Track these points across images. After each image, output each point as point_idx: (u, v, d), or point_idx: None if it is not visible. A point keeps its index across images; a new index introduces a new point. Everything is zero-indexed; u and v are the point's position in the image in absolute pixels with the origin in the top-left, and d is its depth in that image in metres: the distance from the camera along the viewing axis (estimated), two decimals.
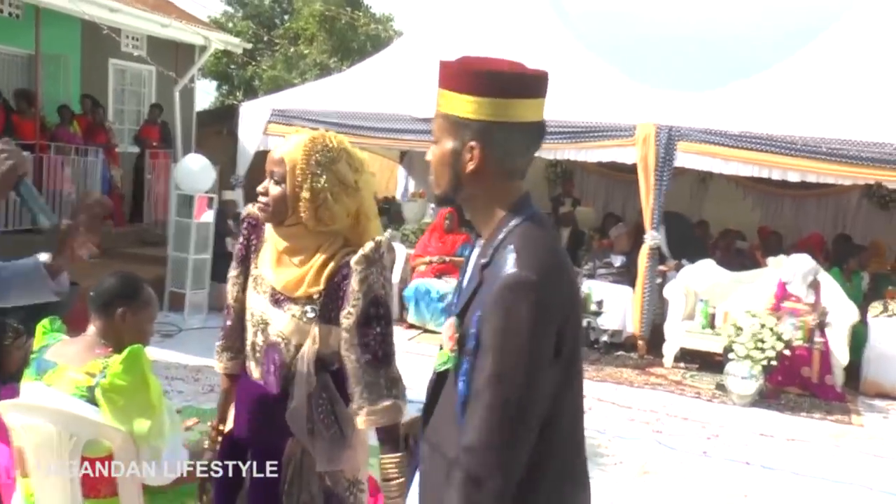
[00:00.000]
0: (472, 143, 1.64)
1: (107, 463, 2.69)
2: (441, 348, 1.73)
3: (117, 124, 12.27)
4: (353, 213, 2.26)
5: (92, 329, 2.79)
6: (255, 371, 2.33)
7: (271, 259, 2.30)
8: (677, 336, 7.87)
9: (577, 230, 10.60)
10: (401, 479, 2.11)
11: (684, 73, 9.25)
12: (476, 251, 1.77)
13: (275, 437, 2.28)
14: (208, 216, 8.72)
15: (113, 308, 2.75)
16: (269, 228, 2.36)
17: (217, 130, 13.66)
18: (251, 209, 2.42)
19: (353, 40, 25.65)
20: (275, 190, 2.21)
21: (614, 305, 8.24)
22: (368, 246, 2.17)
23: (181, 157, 9.67)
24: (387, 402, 2.15)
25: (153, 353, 6.95)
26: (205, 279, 8.71)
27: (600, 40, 10.01)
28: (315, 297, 2.21)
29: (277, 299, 2.26)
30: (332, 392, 2.24)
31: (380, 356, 2.16)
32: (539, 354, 1.56)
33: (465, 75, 1.65)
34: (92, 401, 2.66)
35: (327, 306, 2.20)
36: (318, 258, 2.23)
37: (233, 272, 2.45)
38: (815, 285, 7.45)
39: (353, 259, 2.16)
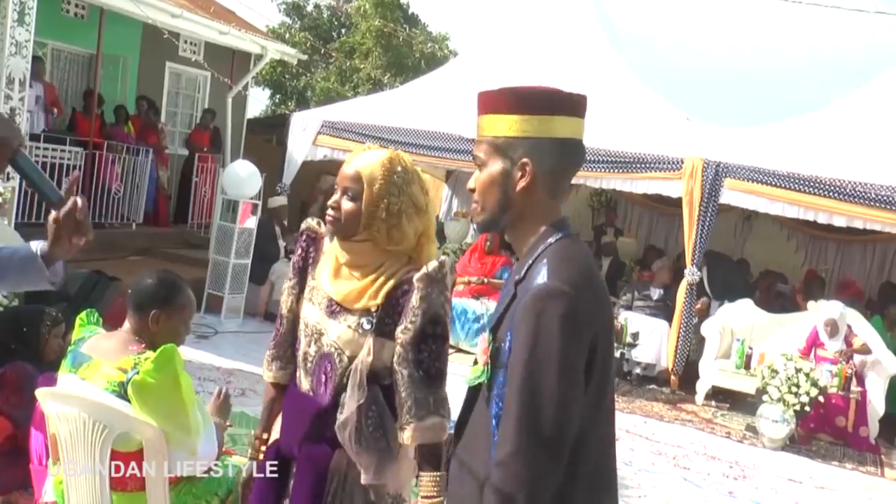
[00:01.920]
0: (525, 160, 1.69)
1: (136, 462, 2.76)
2: (475, 363, 1.75)
3: (169, 126, 12.51)
4: (419, 235, 2.28)
5: (127, 325, 2.85)
6: (304, 382, 2.34)
7: (330, 271, 2.31)
8: (711, 374, 7.77)
9: (617, 260, 10.54)
10: (439, 499, 2.11)
11: (734, 108, 9.21)
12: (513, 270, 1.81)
13: (322, 448, 2.28)
14: (252, 222, 8.85)
15: (148, 309, 2.80)
16: (328, 242, 2.38)
17: (267, 138, 13.86)
18: (311, 223, 2.44)
19: (408, 57, 25.85)
20: (348, 205, 2.20)
21: (650, 338, 8.18)
22: (432, 265, 2.18)
23: (229, 163, 9.83)
24: (434, 420, 2.16)
25: (188, 353, 7.06)
26: (243, 284, 8.82)
27: (653, 72, 10.00)
28: (373, 309, 2.21)
29: (333, 310, 2.26)
30: (382, 406, 2.24)
31: (432, 374, 2.17)
32: (569, 365, 1.56)
33: (510, 97, 1.71)
34: (123, 396, 2.71)
35: (384, 320, 2.21)
36: (381, 274, 2.24)
37: (289, 283, 2.46)
38: (841, 333, 7.32)
39: (416, 276, 2.17)
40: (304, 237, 2.45)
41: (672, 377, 8.09)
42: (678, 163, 7.83)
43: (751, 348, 7.71)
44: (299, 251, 2.45)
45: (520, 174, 1.70)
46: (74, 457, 2.81)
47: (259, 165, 9.00)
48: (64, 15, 10.50)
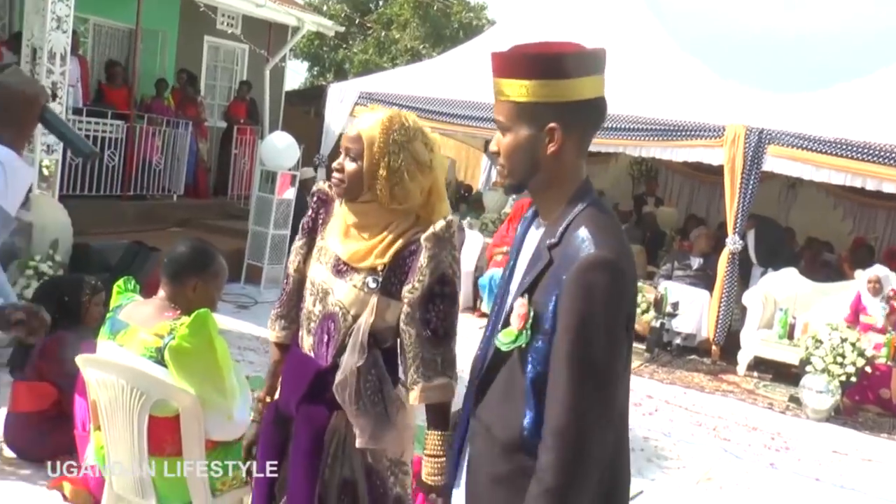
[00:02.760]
0: (552, 125, 1.66)
1: (173, 427, 2.79)
2: (506, 326, 1.72)
3: (208, 99, 12.59)
4: (426, 192, 2.27)
5: (162, 293, 2.87)
6: (306, 341, 2.33)
7: (339, 231, 2.31)
8: (753, 344, 7.66)
9: (657, 230, 10.41)
10: (443, 458, 2.13)
11: (778, 74, 8.99)
12: (534, 231, 1.81)
13: (320, 409, 2.29)
14: (290, 193, 8.89)
15: (183, 277, 2.83)
16: (338, 204, 2.38)
17: (305, 110, 13.89)
18: (322, 185, 2.44)
19: (446, 27, 25.67)
20: (351, 166, 2.21)
21: (690, 308, 8.08)
22: (439, 224, 2.17)
23: (267, 135, 9.87)
24: (441, 380, 2.16)
25: (228, 322, 7.15)
26: (283, 254, 8.88)
27: (694, 38, 9.82)
28: (379, 268, 2.21)
29: (340, 269, 2.26)
30: (381, 370, 2.25)
31: (440, 333, 2.17)
32: (617, 332, 1.61)
33: (533, 60, 1.67)
34: (160, 362, 2.75)
35: (390, 279, 2.21)
36: (388, 233, 2.24)
37: (297, 242, 2.46)
38: (884, 291, 7.17)
39: (424, 236, 2.16)
40: (315, 199, 2.44)
41: (713, 347, 7.99)
42: (720, 130, 7.67)
43: (794, 318, 7.57)
44: (310, 212, 2.44)
45: (548, 139, 1.68)
46: (114, 422, 2.85)
47: (297, 137, 9.02)
48: None
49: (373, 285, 2.21)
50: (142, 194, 9.87)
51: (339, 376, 2.22)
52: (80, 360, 2.93)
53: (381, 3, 28.42)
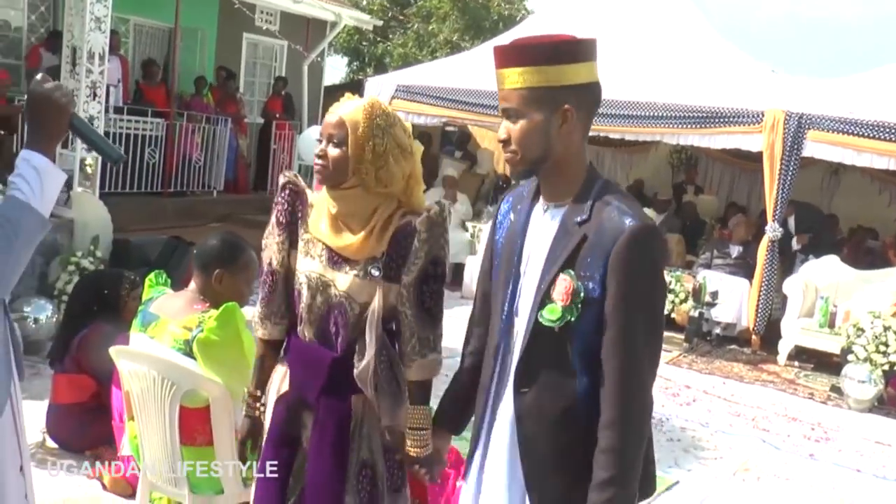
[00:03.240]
0: (567, 107, 1.76)
1: (203, 417, 2.85)
2: (548, 303, 1.78)
3: (248, 96, 12.74)
4: (407, 176, 2.30)
5: (193, 285, 2.93)
6: (307, 333, 2.34)
7: (327, 223, 2.30)
8: (793, 333, 7.53)
9: (697, 219, 10.28)
10: (427, 430, 2.22)
11: (818, 58, 8.81)
12: (541, 213, 1.88)
13: (341, 397, 2.32)
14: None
15: (212, 269, 2.88)
16: (313, 194, 2.39)
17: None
18: (290, 175, 2.44)
19: (486, 19, 25.57)
20: (334, 152, 2.21)
21: (729, 297, 7.97)
22: (434, 209, 2.23)
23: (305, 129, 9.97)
24: (434, 356, 2.25)
25: None
26: None
27: (731, 23, 9.67)
28: (378, 256, 2.25)
29: (336, 261, 2.28)
30: (391, 351, 2.29)
31: (433, 313, 2.24)
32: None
33: (548, 49, 1.77)
34: (189, 353, 2.81)
35: (389, 265, 2.24)
36: (377, 219, 2.26)
37: (277, 238, 2.40)
38: None
39: (418, 220, 2.20)
40: (286, 191, 2.40)
41: (753, 337, 7.88)
42: (758, 116, 7.54)
43: (835, 306, 7.43)
44: (284, 205, 2.39)
45: (561, 121, 1.77)
46: (146, 413, 2.93)
47: None
48: None
49: (376, 273, 2.24)
50: (182, 191, 10.04)
51: (360, 364, 2.25)
52: (114, 351, 3.01)
53: None
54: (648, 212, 9.21)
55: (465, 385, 2.13)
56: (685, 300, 7.90)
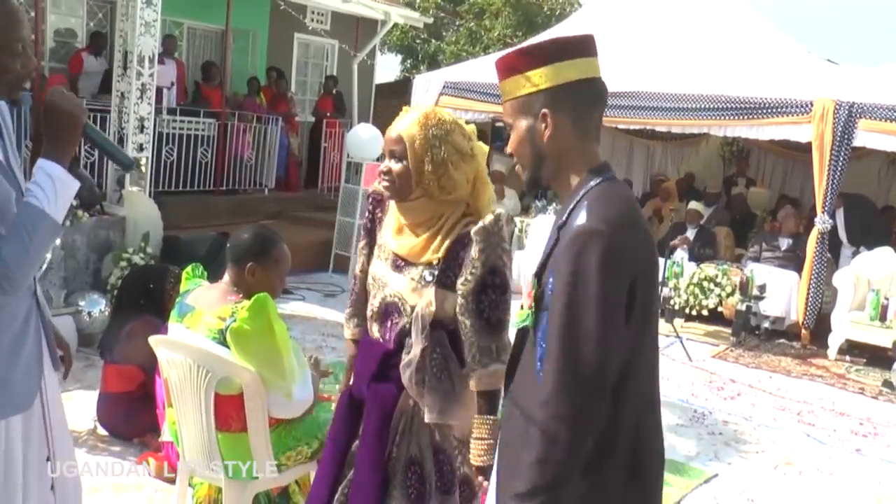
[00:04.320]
0: (544, 111, 1.73)
1: (237, 404, 2.96)
2: (521, 307, 1.79)
3: (299, 95, 12.95)
4: (472, 180, 2.37)
5: (227, 278, 3.04)
6: (374, 331, 2.48)
7: (394, 228, 2.44)
8: (843, 327, 7.39)
9: (747, 211, 10.13)
10: (490, 440, 2.22)
11: (869, 46, 8.58)
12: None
13: (388, 388, 2.41)
14: (376, 183, 9.05)
15: (244, 262, 2.98)
16: (392, 203, 2.49)
17: (394, 102, 14.09)
18: (376, 186, 2.54)
19: (538, 15, 25.47)
20: (396, 167, 2.33)
21: (778, 291, 7.84)
22: (489, 218, 2.26)
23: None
24: (496, 367, 2.25)
25: (315, 310, 7.41)
26: None
27: (780, 11, 9.49)
28: (434, 262, 2.33)
29: (398, 265, 2.39)
30: (447, 348, 2.35)
31: (493, 322, 2.26)
32: (608, 304, 1.57)
33: (518, 57, 1.77)
34: (223, 342, 2.91)
35: (445, 272, 2.31)
36: (442, 226, 2.35)
37: (360, 244, 2.61)
38: None
39: (473, 230, 2.26)
40: (370, 200, 2.58)
41: (802, 331, 7.75)
42: (807, 106, 7.42)
43: (887, 299, 7.25)
44: (367, 214, 2.58)
45: (543, 125, 1.74)
46: (183, 399, 3.04)
47: (386, 129, 9.16)
48: None
49: (429, 278, 2.32)
50: (234, 189, 10.24)
51: (403, 358, 2.34)
52: (153, 340, 3.13)
53: None
54: (698, 205, 9.15)
55: None
56: (732, 293, 7.81)
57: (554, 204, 10.20)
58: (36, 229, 1.85)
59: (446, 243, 2.32)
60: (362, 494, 2.40)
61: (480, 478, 2.24)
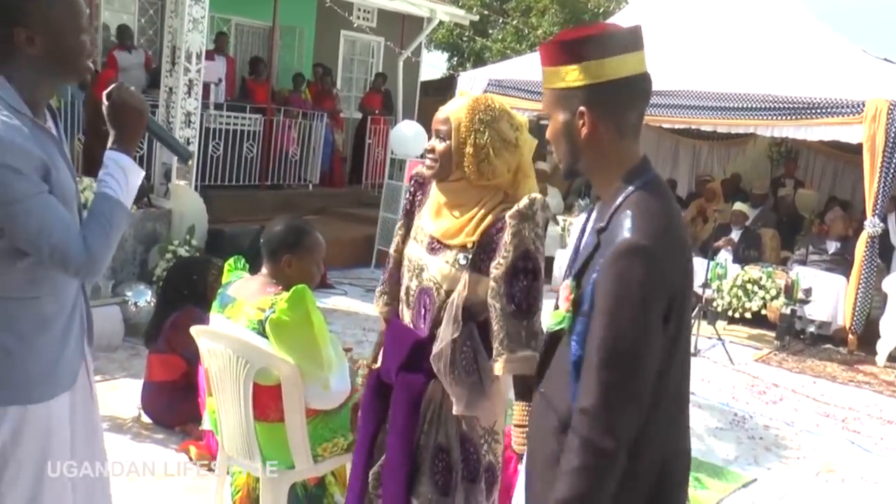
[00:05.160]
0: (582, 109, 1.69)
1: (275, 395, 3.00)
2: (556, 308, 1.79)
3: (344, 91, 13.04)
4: (514, 170, 2.38)
5: (265, 270, 3.08)
6: (406, 314, 2.51)
7: (432, 210, 2.46)
8: (893, 333, 7.22)
9: (795, 213, 9.95)
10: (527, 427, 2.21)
11: None
12: (593, 216, 1.83)
13: (418, 377, 2.43)
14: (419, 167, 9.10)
15: (279, 255, 3.02)
16: (433, 187, 2.51)
17: (440, 100, 14.11)
18: (420, 169, 2.58)
19: (585, 12, 25.31)
20: (440, 146, 2.36)
21: (825, 295, 7.69)
22: (523, 202, 2.26)
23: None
24: (525, 353, 2.25)
25: (356, 305, 7.46)
26: None
27: (831, 7, 9.29)
28: (469, 245, 2.34)
29: (434, 247, 2.41)
30: (476, 342, 2.36)
31: (524, 308, 2.26)
32: (649, 320, 1.59)
33: (563, 47, 1.72)
34: (262, 333, 2.95)
35: (479, 256, 2.33)
36: (478, 211, 2.36)
37: (398, 224, 2.65)
38: None
39: (509, 213, 2.27)
40: (413, 182, 2.62)
41: (850, 336, 7.59)
42: (859, 106, 7.25)
43: None
44: (408, 195, 2.62)
45: (580, 122, 1.70)
46: (223, 389, 3.09)
47: (430, 126, 9.20)
48: None
49: (463, 262, 2.34)
50: (278, 184, 10.36)
51: (435, 347, 2.36)
52: (194, 330, 3.19)
53: None
54: (743, 206, 9.00)
55: None
56: (777, 296, 7.68)
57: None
58: (113, 217, 1.95)
59: (482, 226, 2.33)
60: (394, 480, 2.43)
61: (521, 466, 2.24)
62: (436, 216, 2.44)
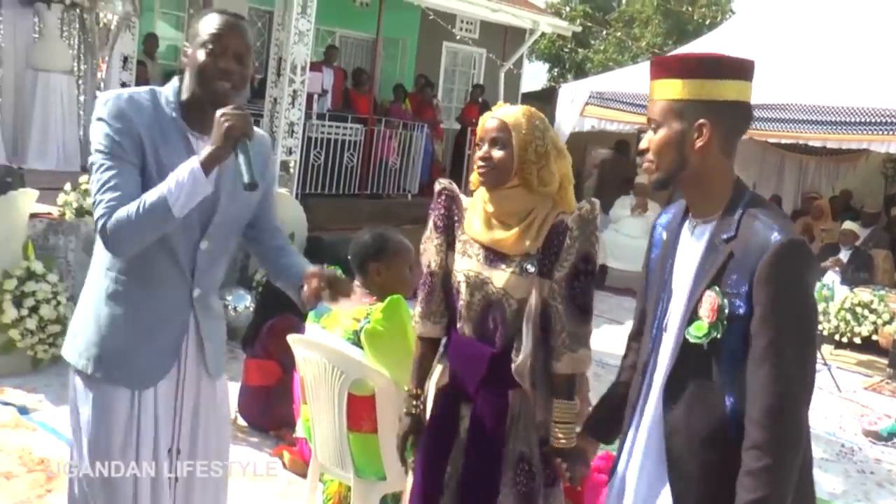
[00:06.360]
0: (702, 121, 1.78)
1: (369, 406, 3.02)
2: (695, 320, 1.79)
3: (445, 102, 13.14)
4: (561, 177, 2.40)
5: (357, 281, 3.11)
6: (467, 329, 2.44)
7: (482, 222, 2.41)
8: None
9: None
10: (573, 424, 2.29)
11: None
12: (687, 231, 1.89)
13: (500, 391, 2.40)
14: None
15: (368, 266, 3.05)
16: (466, 199, 2.50)
17: (541, 111, 14.05)
18: (445, 183, 2.55)
19: (689, 23, 24.82)
20: (499, 153, 2.32)
21: None
22: (585, 207, 2.30)
23: None
24: (584, 352, 2.30)
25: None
26: None
27: None
28: (533, 253, 2.33)
29: (492, 259, 2.37)
30: (547, 346, 2.34)
31: (584, 308, 2.30)
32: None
33: (686, 62, 1.84)
34: (357, 343, 2.99)
35: (543, 262, 2.32)
36: (534, 218, 2.35)
37: (434, 241, 2.52)
38: None
39: (571, 217, 2.30)
40: (443, 197, 2.52)
41: None
42: None
43: None
44: (441, 210, 2.50)
45: (696, 134, 1.79)
46: (318, 398, 3.14)
47: None
48: (350, 5, 11.43)
49: (532, 269, 2.32)
50: (378, 193, 10.48)
51: (519, 360, 2.33)
52: (291, 339, 3.25)
53: (623, 1, 28.02)
54: (853, 225, 8.62)
55: (620, 396, 2.13)
56: (890, 321, 7.30)
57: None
58: (148, 206, 2.00)
59: (544, 232, 2.33)
60: (477, 490, 2.40)
61: (565, 464, 2.27)
62: (488, 227, 2.39)
